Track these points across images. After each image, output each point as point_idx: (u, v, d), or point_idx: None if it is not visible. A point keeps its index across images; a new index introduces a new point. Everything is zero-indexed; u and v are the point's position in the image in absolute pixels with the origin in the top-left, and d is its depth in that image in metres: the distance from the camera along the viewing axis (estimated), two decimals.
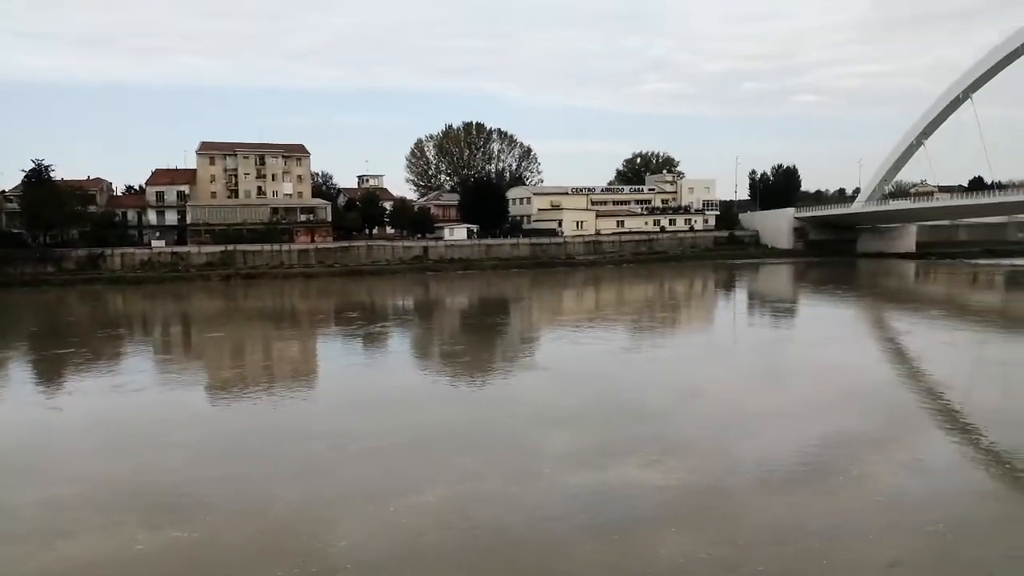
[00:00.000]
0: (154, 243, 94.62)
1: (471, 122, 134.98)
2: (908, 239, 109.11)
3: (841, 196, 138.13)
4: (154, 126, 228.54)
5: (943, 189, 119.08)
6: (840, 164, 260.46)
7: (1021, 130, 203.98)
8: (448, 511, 17.04)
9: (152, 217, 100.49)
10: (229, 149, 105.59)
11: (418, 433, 23.53)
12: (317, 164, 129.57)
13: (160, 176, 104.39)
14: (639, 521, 16.21)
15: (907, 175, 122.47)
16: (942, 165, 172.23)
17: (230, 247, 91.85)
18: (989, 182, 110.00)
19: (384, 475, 19.49)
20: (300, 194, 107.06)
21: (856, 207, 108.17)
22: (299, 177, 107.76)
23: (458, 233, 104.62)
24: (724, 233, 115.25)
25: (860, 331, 49.59)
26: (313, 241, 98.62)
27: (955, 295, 67.53)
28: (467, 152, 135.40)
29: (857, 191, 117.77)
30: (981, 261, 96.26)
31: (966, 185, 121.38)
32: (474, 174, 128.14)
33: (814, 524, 15.89)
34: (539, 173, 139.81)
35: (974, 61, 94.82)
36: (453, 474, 19.60)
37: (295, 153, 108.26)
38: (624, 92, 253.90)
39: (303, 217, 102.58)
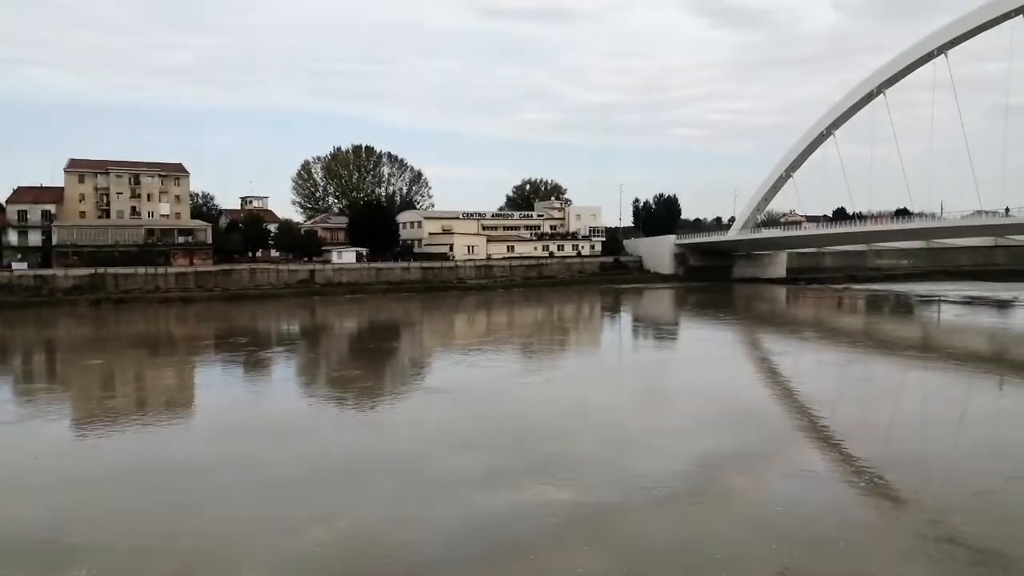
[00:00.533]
0: (15, 265, 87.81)
1: (360, 145, 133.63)
2: (779, 265, 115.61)
3: (718, 224, 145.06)
4: (15, 142, 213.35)
5: (810, 219, 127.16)
6: (717, 193, 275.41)
7: (878, 165, 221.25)
8: (360, 538, 16.67)
9: (13, 238, 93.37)
10: (100, 167, 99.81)
11: (322, 461, 22.95)
12: (197, 185, 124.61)
13: (23, 194, 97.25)
14: (547, 540, 16.33)
15: (777, 205, 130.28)
16: (809, 196, 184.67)
17: (100, 270, 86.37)
18: (851, 212, 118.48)
19: (290, 505, 18.81)
20: (178, 215, 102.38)
21: (732, 235, 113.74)
22: (177, 197, 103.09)
23: (347, 256, 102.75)
24: (610, 259, 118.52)
25: (740, 352, 51.99)
26: (192, 264, 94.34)
27: (823, 318, 71.97)
28: (356, 175, 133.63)
29: (733, 220, 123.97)
30: (844, 286, 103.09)
31: (831, 215, 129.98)
32: (363, 197, 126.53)
33: (710, 536, 16.44)
34: (430, 197, 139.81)
35: (836, 101, 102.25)
36: (363, 501, 19.24)
37: (173, 172, 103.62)
38: (508, 120, 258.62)
39: (181, 239, 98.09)
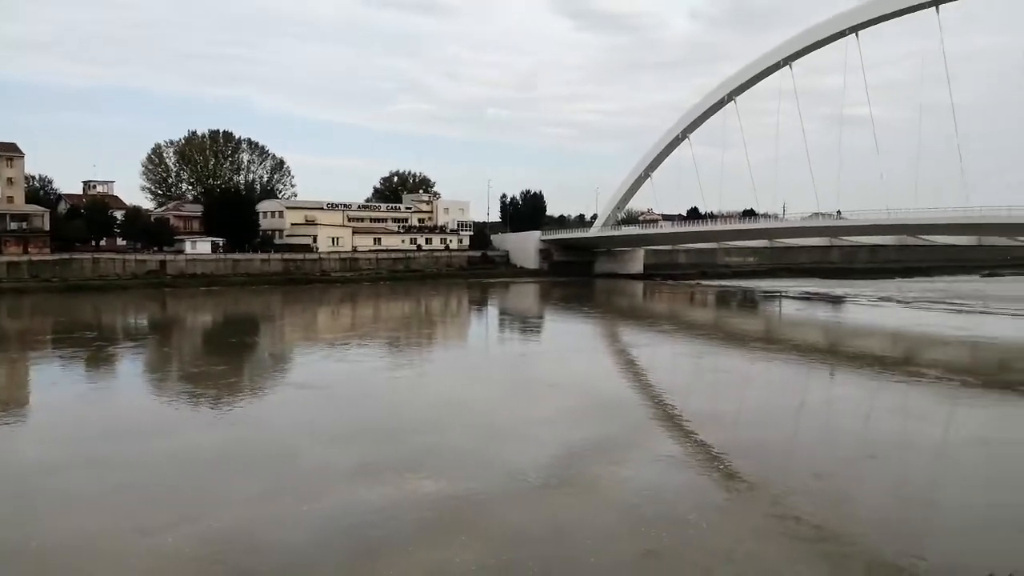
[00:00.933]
0: None
1: (218, 130, 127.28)
2: (637, 262, 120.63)
3: (581, 221, 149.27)
4: None
5: (666, 217, 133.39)
6: (581, 191, 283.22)
7: (728, 168, 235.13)
8: (227, 539, 16.06)
9: None
10: None
11: (184, 460, 21.94)
12: (34, 166, 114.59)
13: None
14: (423, 533, 16.35)
15: (637, 204, 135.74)
16: (665, 196, 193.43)
17: None
18: (703, 212, 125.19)
19: (150, 506, 17.86)
20: (11, 199, 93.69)
21: (594, 232, 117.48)
22: (10, 180, 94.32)
23: (201, 247, 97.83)
24: (478, 253, 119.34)
25: (602, 345, 53.91)
26: (27, 253, 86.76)
27: (678, 312, 75.81)
28: (213, 161, 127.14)
29: (595, 217, 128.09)
30: (697, 282, 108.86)
31: (685, 214, 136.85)
32: (221, 184, 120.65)
33: (579, 522, 17.04)
34: (293, 187, 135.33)
35: (691, 105, 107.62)
36: (230, 500, 18.58)
37: (5, 153, 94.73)
38: (379, 111, 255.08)
39: (14, 225, 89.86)
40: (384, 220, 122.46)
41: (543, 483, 19.85)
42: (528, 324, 64.73)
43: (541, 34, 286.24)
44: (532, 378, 38.06)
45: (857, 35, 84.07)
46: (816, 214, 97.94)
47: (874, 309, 72.33)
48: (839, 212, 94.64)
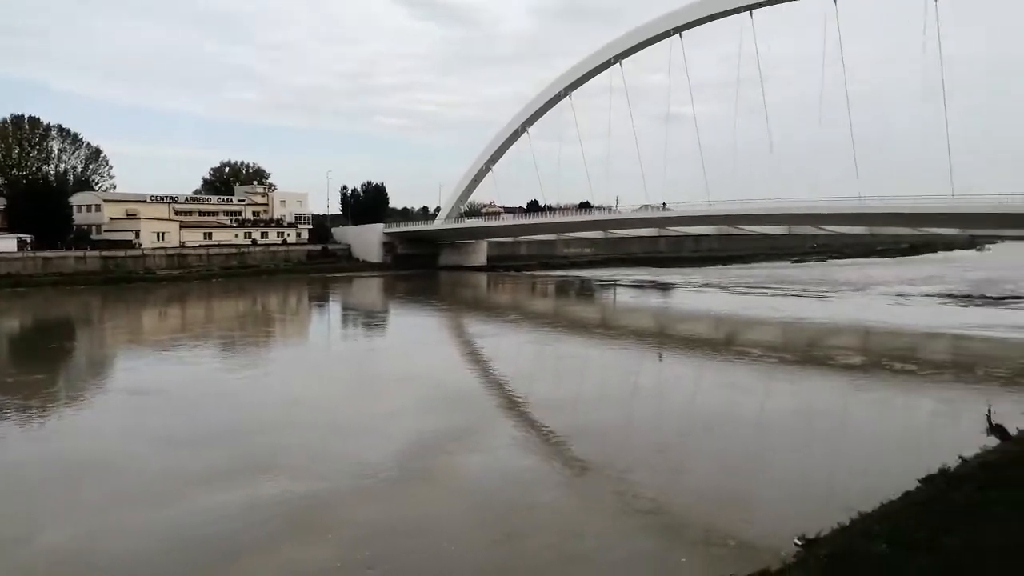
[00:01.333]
0: None
1: (22, 115, 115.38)
2: (481, 253, 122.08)
3: (425, 214, 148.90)
4: None
5: (508, 210, 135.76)
6: (423, 183, 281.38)
7: (566, 161, 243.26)
8: (66, 554, 15.01)
9: None
10: None
11: (10, 475, 20.09)
12: None
13: None
14: (277, 535, 15.92)
15: (479, 196, 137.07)
16: (507, 188, 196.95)
17: None
18: (543, 204, 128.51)
19: None
20: None
21: (437, 224, 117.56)
22: None
23: (5, 244, 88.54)
24: (318, 247, 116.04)
25: (448, 336, 54.21)
26: None
27: (521, 302, 77.58)
28: (16, 150, 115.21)
29: (439, 209, 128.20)
30: (538, 272, 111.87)
31: (525, 207, 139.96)
32: (27, 175, 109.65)
33: (434, 513, 17.20)
34: (111, 178, 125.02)
35: (530, 99, 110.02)
36: (67, 513, 17.31)
37: None
38: (210, 99, 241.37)
39: None
40: (215, 213, 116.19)
41: (396, 476, 19.83)
42: (373, 319, 63.90)
43: (378, 22, 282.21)
44: (379, 373, 37.72)
45: (681, 36, 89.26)
46: (645, 206, 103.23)
47: (700, 294, 77.52)
48: (664, 204, 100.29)
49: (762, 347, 43.34)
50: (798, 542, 13.88)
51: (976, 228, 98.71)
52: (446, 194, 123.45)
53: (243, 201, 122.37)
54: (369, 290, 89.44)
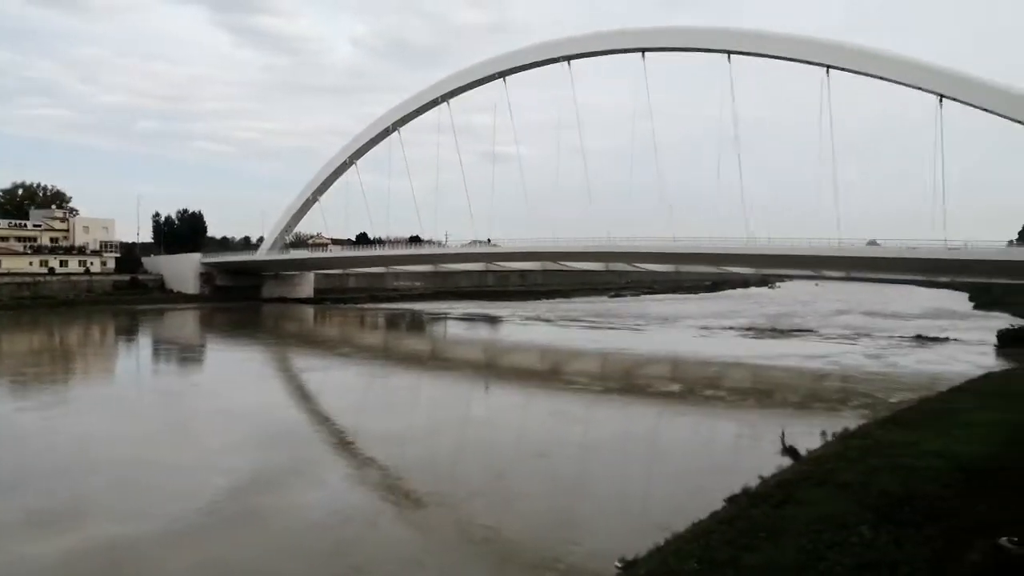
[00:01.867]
0: None
1: None
2: (308, 286, 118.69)
3: (247, 244, 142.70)
4: None
5: (336, 241, 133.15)
6: (245, 212, 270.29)
7: (395, 195, 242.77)
8: None
9: None
10: None
11: None
12: None
13: None
14: None
15: (306, 227, 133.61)
16: (335, 220, 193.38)
17: None
18: (372, 237, 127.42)
19: None
20: None
21: (261, 255, 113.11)
22: None
23: None
24: (126, 277, 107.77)
25: (274, 371, 52.05)
26: None
27: (350, 335, 76.11)
28: None
29: (262, 239, 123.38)
30: (367, 305, 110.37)
31: (354, 239, 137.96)
32: None
33: (264, 557, 16.47)
34: None
35: (358, 132, 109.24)
36: None
37: None
38: (2, 113, 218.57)
39: None
40: (5, 239, 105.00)
41: (204, 524, 18.70)
42: (190, 353, 60.05)
43: (198, 46, 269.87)
44: (197, 410, 35.60)
45: (505, 80, 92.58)
46: (473, 241, 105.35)
47: (526, 327, 79.86)
48: (489, 240, 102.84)
49: (586, 376, 45.43)
50: (618, 565, 14.59)
51: (768, 268, 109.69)
52: (270, 224, 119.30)
53: (39, 226, 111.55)
54: (185, 323, 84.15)
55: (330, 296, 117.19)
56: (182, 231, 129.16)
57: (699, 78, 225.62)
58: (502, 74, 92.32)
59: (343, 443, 29.06)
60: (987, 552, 11.89)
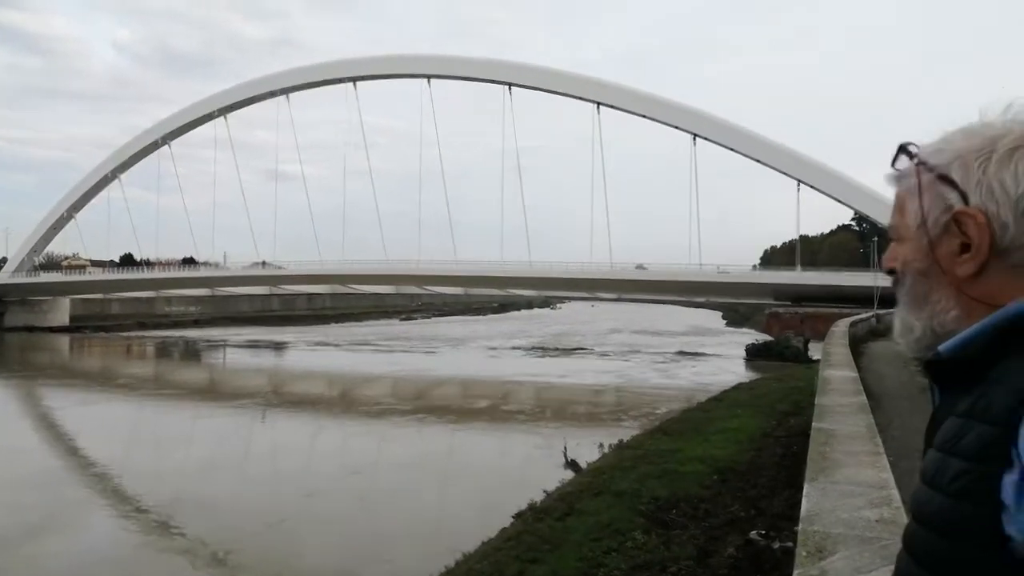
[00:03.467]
0: None
1: None
2: (62, 312, 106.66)
3: None
4: None
5: (96, 263, 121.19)
6: None
7: (166, 213, 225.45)
8: None
9: None
10: None
11: None
12: None
13: None
14: None
15: (60, 247, 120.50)
16: (95, 240, 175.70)
17: None
18: (139, 259, 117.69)
19: None
20: None
21: (2, 278, 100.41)
22: None
23: None
24: None
25: (20, 410, 46.12)
26: None
27: (114, 367, 69.33)
28: None
29: (4, 260, 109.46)
30: (134, 333, 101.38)
31: (118, 261, 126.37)
32: None
33: None
34: None
35: (122, 144, 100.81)
36: None
37: None
38: None
39: None
40: None
41: None
42: None
43: None
44: None
45: (288, 98, 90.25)
46: (256, 264, 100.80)
47: (315, 353, 77.44)
48: (263, 263, 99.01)
49: (379, 401, 44.89)
50: None
51: (549, 291, 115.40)
52: (15, 244, 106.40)
53: None
54: None
55: (90, 324, 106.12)
56: None
57: (484, 107, 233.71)
58: (285, 91, 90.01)
59: (106, 484, 26.32)
60: (740, 546, 13.24)
